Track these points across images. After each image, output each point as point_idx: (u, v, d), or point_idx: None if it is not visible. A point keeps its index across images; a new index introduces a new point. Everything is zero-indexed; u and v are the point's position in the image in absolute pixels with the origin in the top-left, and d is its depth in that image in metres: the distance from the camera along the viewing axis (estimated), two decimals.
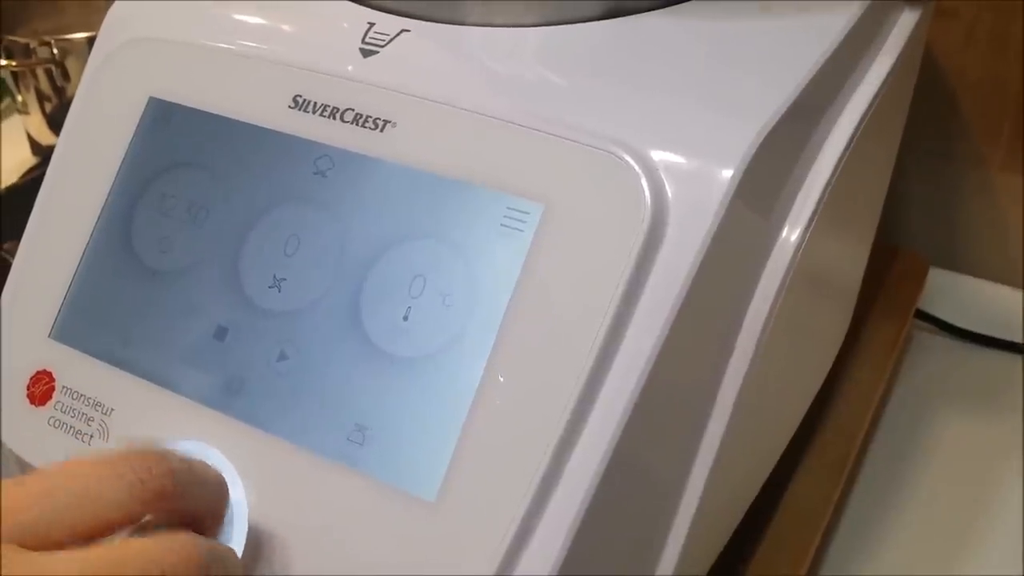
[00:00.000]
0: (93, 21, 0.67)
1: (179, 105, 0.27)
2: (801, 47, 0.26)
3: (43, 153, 0.67)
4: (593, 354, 0.22)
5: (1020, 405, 0.47)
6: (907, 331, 0.47)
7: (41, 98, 0.64)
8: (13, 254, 0.54)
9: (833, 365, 0.40)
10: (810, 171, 0.26)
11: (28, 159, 0.67)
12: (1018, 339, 0.50)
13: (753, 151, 0.23)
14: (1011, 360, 0.50)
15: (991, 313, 0.53)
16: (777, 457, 0.34)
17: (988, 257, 0.55)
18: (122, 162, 0.28)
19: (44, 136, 0.66)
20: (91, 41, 0.61)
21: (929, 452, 0.45)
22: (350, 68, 0.26)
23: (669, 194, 0.22)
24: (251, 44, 0.27)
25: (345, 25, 0.27)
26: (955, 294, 0.54)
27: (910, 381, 0.49)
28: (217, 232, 0.26)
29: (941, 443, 0.45)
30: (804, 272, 0.26)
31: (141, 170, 0.28)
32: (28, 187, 0.60)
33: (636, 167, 0.22)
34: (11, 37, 0.62)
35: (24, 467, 0.27)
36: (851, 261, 0.36)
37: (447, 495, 0.22)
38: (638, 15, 0.27)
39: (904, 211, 0.56)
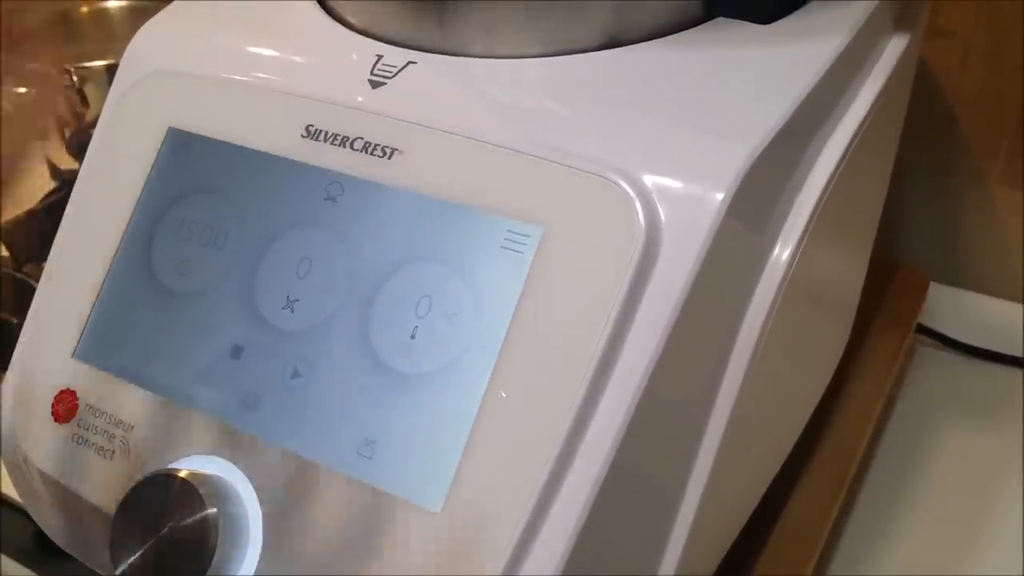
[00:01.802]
0: (111, 49, 0.69)
1: (197, 135, 0.29)
2: (791, 73, 0.26)
3: (62, 178, 0.68)
4: (591, 370, 0.23)
5: (1021, 419, 0.48)
6: (908, 345, 0.48)
7: (60, 124, 0.66)
8: (33, 276, 0.55)
9: (834, 379, 0.41)
10: (802, 190, 0.27)
11: (47, 183, 0.68)
12: (1019, 353, 0.51)
13: (743, 174, 0.24)
14: (1012, 374, 0.50)
15: (992, 327, 0.53)
16: (776, 469, 0.35)
17: (988, 272, 0.56)
18: (142, 189, 0.29)
19: (63, 161, 0.68)
20: (109, 68, 0.63)
21: (932, 464, 0.46)
22: (360, 99, 0.27)
23: (663, 217, 0.23)
24: (265, 76, 0.29)
25: (354, 57, 0.28)
26: (956, 309, 0.54)
27: (913, 395, 0.49)
28: (233, 255, 0.27)
29: (944, 455, 0.46)
30: (798, 287, 0.27)
31: (161, 197, 0.29)
32: (47, 211, 0.61)
33: (630, 191, 0.23)
34: (31, 65, 0.64)
35: (48, 482, 0.28)
36: (847, 276, 0.37)
37: (452, 505, 0.23)
38: (634, 45, 0.28)
39: (904, 227, 0.57)
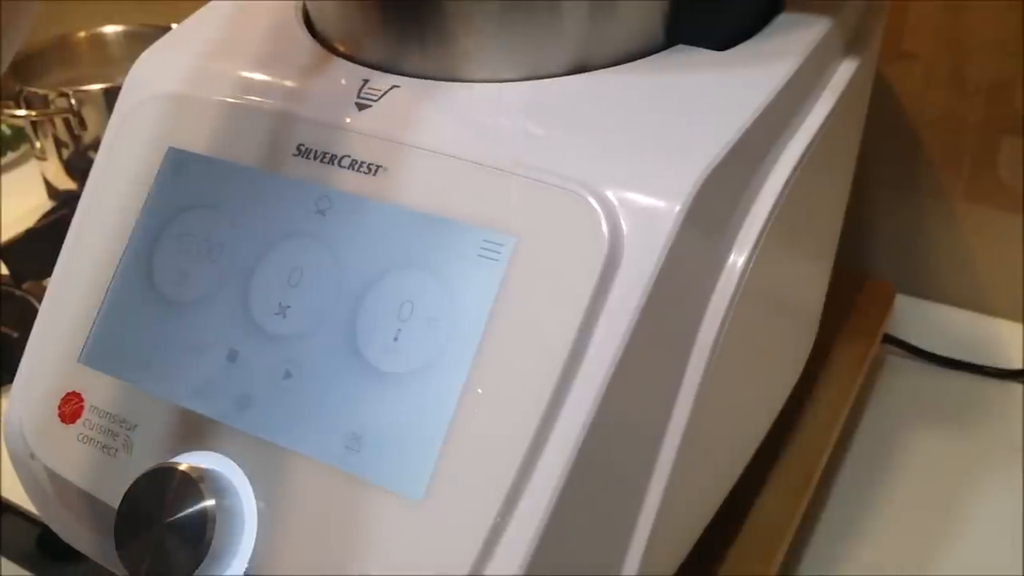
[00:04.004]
0: (107, 73, 0.71)
1: (195, 154, 0.30)
2: (744, 95, 0.29)
3: (59, 197, 0.70)
4: (559, 369, 0.25)
5: (988, 425, 0.50)
6: (873, 352, 0.50)
7: (58, 145, 0.67)
8: (33, 294, 0.57)
9: (800, 385, 0.42)
10: (755, 202, 0.29)
11: (45, 203, 0.70)
12: (982, 361, 0.53)
13: (698, 188, 0.26)
14: (977, 381, 0.52)
15: (957, 337, 0.55)
16: (740, 469, 0.37)
17: (953, 283, 0.58)
18: (144, 205, 0.31)
19: (61, 181, 0.69)
20: (106, 92, 0.65)
21: (901, 466, 0.48)
22: (347, 120, 0.29)
23: (624, 228, 0.25)
24: (259, 99, 0.30)
25: (343, 82, 0.30)
26: (923, 319, 0.57)
27: (882, 401, 0.52)
28: (229, 266, 0.29)
29: (912, 458, 0.48)
30: (753, 292, 0.29)
31: (161, 212, 0.30)
32: (45, 230, 0.63)
33: (595, 205, 0.25)
34: (30, 88, 0.66)
35: (54, 479, 0.30)
36: (806, 282, 0.39)
37: (432, 495, 0.25)
38: (601, 71, 0.30)
39: (872, 241, 0.59)
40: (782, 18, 0.33)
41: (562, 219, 0.26)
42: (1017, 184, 0.54)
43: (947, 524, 0.45)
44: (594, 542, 0.27)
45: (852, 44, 0.35)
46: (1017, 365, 0.53)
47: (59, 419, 0.30)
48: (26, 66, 0.69)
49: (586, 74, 0.30)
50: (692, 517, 0.34)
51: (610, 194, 0.26)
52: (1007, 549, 0.43)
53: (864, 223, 0.58)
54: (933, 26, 0.53)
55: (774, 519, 0.39)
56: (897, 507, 0.45)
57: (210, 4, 0.36)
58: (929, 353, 0.54)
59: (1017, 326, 0.56)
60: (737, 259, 0.28)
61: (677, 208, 0.25)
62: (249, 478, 0.27)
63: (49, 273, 0.32)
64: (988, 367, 0.53)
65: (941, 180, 0.56)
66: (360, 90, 0.30)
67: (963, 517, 0.45)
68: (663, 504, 0.28)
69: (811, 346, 0.43)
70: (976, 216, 0.56)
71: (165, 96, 0.32)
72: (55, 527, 0.32)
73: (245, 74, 0.31)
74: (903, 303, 0.56)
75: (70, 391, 0.30)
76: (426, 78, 0.30)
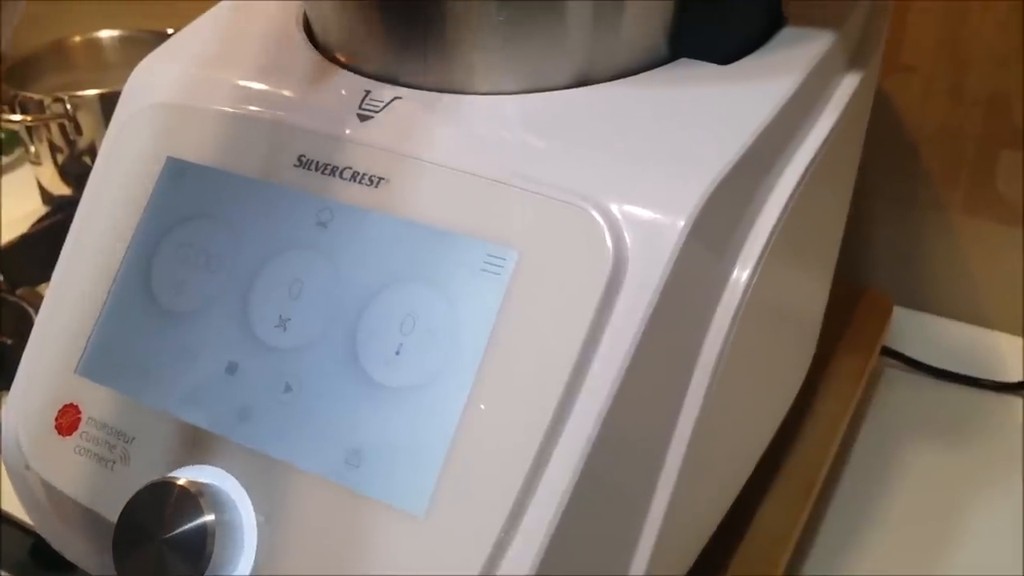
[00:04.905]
0: (103, 78, 0.70)
1: (194, 164, 0.30)
2: (748, 110, 0.29)
3: (54, 202, 0.70)
4: (563, 384, 0.24)
5: (987, 437, 0.50)
6: (872, 365, 0.50)
7: (53, 150, 0.67)
8: (27, 300, 0.56)
9: (800, 397, 0.42)
10: (759, 217, 0.29)
11: (39, 208, 0.70)
12: (981, 374, 0.53)
13: (703, 202, 0.26)
14: (974, 394, 0.52)
15: (955, 349, 0.55)
16: (743, 479, 0.37)
17: (951, 296, 0.58)
18: (142, 215, 0.30)
19: (55, 186, 0.69)
20: (102, 97, 0.65)
21: (899, 478, 0.48)
22: (348, 131, 0.29)
23: (629, 242, 0.25)
24: (260, 109, 0.30)
25: (344, 93, 0.30)
26: (921, 331, 0.57)
27: (881, 414, 0.52)
28: (229, 277, 0.29)
29: (911, 470, 0.48)
30: (757, 306, 0.29)
31: (160, 222, 0.30)
32: (39, 235, 0.63)
33: (600, 219, 0.25)
34: (25, 93, 0.65)
35: (51, 492, 0.30)
36: (808, 296, 0.39)
37: (435, 511, 0.25)
38: (604, 84, 0.30)
39: (870, 254, 0.59)
40: (785, 32, 0.33)
41: (566, 233, 0.26)
42: (1015, 197, 0.54)
43: (946, 536, 0.45)
44: (599, 555, 0.27)
45: (855, 57, 0.35)
46: (1015, 378, 0.53)
47: (56, 431, 0.29)
48: (21, 70, 0.69)
49: (589, 87, 0.30)
50: (696, 528, 0.33)
51: (614, 208, 0.26)
52: (1006, 561, 0.43)
53: (862, 235, 0.58)
54: (932, 39, 0.53)
55: (776, 528, 0.39)
56: (896, 518, 0.45)
57: (209, 11, 0.36)
58: (927, 365, 0.54)
59: (1015, 339, 0.56)
60: (741, 274, 0.28)
61: (682, 222, 0.25)
62: (248, 492, 0.27)
63: (44, 279, 0.32)
64: (986, 380, 0.53)
65: (939, 193, 0.56)
66: (362, 101, 0.29)
67: (962, 529, 0.45)
68: (667, 516, 0.28)
69: (811, 358, 0.43)
70: (974, 229, 0.56)
71: (164, 105, 0.32)
72: (50, 539, 0.32)
73: (245, 84, 0.31)
74: (901, 315, 0.56)
75: (67, 403, 0.30)
76: (429, 90, 0.30)
